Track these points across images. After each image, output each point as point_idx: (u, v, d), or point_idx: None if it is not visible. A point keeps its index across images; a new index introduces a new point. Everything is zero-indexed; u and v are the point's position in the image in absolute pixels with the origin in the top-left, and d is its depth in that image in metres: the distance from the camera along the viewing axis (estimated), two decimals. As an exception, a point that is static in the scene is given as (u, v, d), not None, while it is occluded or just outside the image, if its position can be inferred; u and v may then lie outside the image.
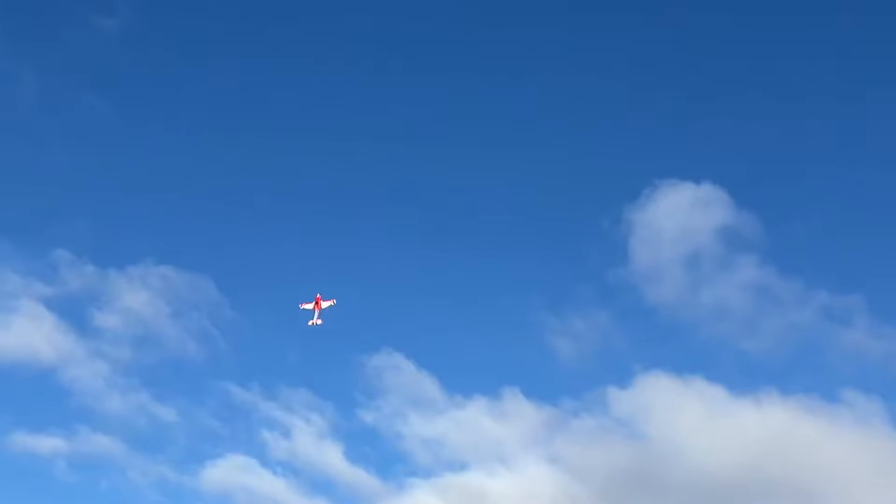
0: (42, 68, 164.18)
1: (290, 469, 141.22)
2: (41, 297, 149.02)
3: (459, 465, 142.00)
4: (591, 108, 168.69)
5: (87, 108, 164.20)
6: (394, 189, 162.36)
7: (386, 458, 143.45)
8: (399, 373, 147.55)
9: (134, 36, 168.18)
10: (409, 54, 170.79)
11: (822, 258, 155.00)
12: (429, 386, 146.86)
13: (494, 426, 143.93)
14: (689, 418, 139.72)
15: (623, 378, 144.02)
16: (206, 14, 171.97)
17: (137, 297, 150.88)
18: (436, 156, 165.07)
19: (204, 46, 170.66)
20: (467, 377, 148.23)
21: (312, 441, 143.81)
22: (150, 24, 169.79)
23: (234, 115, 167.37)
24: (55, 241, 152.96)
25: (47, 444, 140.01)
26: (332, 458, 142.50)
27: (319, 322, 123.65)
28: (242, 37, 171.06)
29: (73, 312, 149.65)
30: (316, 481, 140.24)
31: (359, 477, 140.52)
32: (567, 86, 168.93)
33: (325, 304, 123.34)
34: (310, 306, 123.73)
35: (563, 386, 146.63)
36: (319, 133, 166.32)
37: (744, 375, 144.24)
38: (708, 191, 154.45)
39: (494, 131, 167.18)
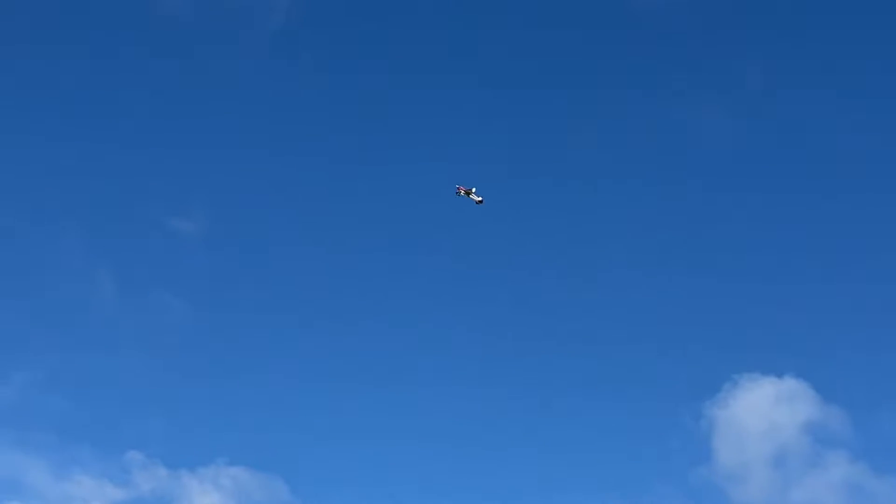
0: (119, 269, 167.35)
1: None
2: (113, 501, 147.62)
3: None
4: (667, 302, 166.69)
5: (162, 308, 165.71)
6: (467, 386, 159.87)
7: None
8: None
9: (210, 238, 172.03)
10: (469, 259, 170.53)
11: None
12: None
13: None
14: None
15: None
16: (279, 217, 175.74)
17: (209, 500, 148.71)
18: (508, 353, 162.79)
19: (276, 248, 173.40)
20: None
21: None
22: (226, 228, 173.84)
23: (306, 316, 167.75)
24: (128, 443, 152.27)
25: None
26: None
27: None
28: (315, 240, 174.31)
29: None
30: None
31: None
32: (642, 282, 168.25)
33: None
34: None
35: None
36: (387, 324, 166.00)
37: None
38: (791, 385, 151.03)
39: (568, 325, 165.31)
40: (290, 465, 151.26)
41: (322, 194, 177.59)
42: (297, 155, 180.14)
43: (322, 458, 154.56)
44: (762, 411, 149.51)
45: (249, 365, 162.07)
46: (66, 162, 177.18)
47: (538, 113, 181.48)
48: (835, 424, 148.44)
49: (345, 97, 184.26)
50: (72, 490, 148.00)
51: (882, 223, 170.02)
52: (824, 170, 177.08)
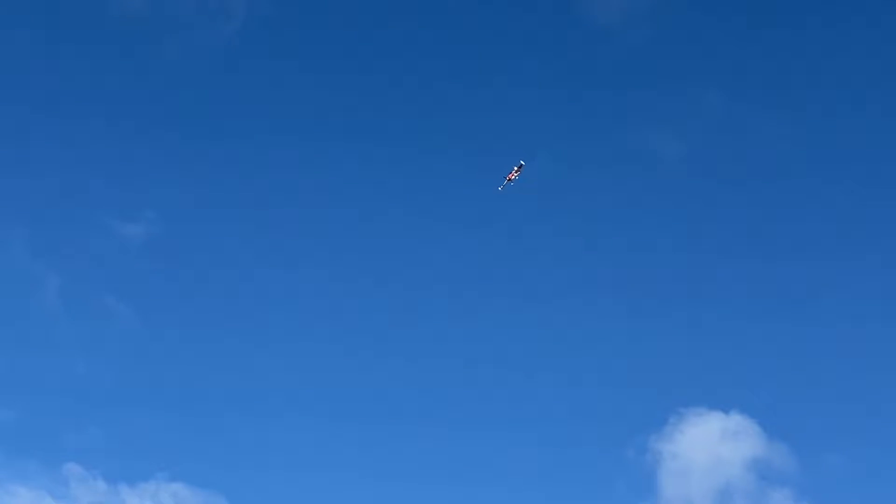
0: (64, 272, 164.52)
1: None
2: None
3: None
4: (612, 332, 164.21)
5: (107, 314, 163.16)
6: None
7: None
8: None
9: (157, 243, 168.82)
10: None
11: (861, 493, 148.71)
12: None
13: None
14: None
15: None
16: (230, 225, 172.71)
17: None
18: (448, 382, 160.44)
19: (226, 257, 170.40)
20: None
21: None
22: (174, 232, 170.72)
23: (253, 326, 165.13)
24: (67, 455, 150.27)
25: None
26: None
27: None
28: (268, 248, 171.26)
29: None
30: None
31: None
32: (586, 310, 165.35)
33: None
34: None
35: None
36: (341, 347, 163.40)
37: None
38: (737, 421, 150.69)
39: (511, 354, 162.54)
40: (230, 480, 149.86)
41: (278, 201, 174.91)
42: (252, 160, 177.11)
43: (265, 476, 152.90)
44: (708, 446, 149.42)
45: (194, 377, 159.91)
46: (10, 162, 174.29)
47: (502, 145, 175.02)
48: (780, 462, 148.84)
49: (304, 100, 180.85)
50: (9, 502, 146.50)
51: (833, 260, 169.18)
52: (775, 206, 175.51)
